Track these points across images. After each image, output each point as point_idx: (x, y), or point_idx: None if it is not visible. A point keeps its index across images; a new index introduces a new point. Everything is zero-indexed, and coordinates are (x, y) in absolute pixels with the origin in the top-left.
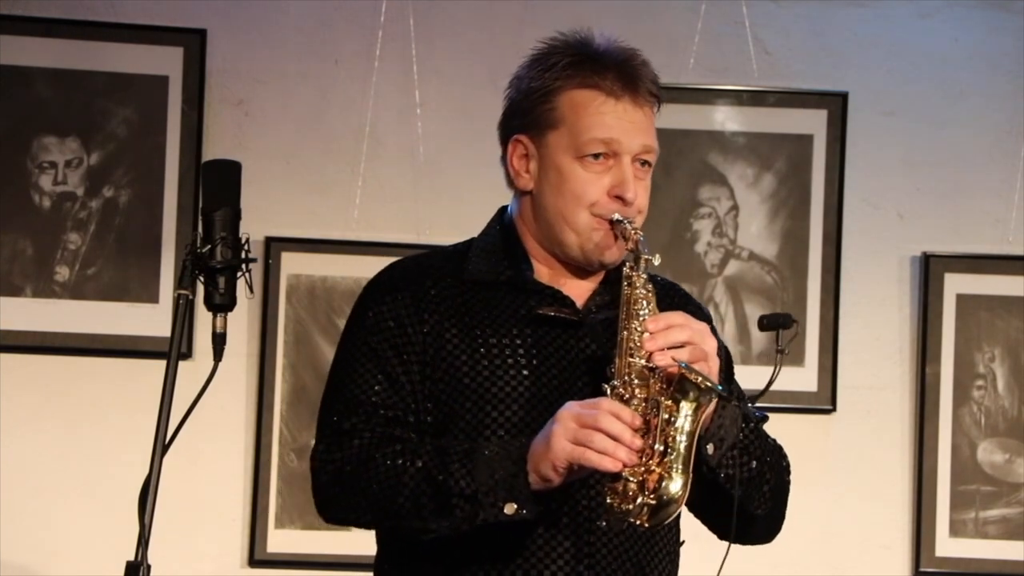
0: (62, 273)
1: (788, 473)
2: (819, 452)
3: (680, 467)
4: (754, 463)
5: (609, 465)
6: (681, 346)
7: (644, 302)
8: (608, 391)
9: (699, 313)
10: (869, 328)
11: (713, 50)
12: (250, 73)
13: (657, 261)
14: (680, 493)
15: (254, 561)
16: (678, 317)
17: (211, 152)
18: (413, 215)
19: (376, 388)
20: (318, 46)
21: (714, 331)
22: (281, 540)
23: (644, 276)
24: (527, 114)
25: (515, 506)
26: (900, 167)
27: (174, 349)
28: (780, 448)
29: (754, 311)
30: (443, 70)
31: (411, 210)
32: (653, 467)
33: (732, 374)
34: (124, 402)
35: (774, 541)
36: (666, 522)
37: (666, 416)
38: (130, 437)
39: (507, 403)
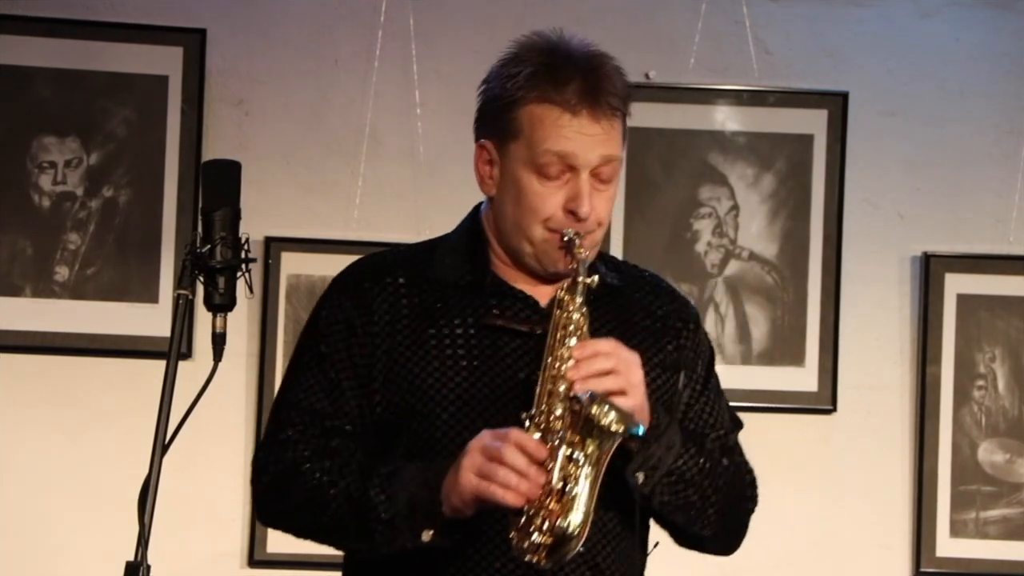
0: (62, 273)
1: (750, 490)
2: (819, 452)
3: (580, 506)
4: (691, 491)
5: (512, 500)
6: (606, 374)
7: (573, 327)
8: (525, 420)
9: (685, 310)
10: (869, 328)
11: (713, 50)
12: (250, 73)
13: (594, 284)
14: (578, 531)
15: (254, 561)
16: (606, 345)
17: (211, 152)
18: (413, 215)
19: (319, 396)
20: (318, 46)
21: (697, 329)
22: (281, 540)
23: (579, 299)
24: (491, 121)
25: (432, 533)
26: (901, 167)
27: (174, 349)
28: (741, 467)
29: (754, 311)
30: (443, 70)
31: (411, 210)
32: (552, 505)
33: (711, 375)
34: (124, 402)
35: (773, 539)
36: (565, 559)
37: (568, 452)
38: (130, 437)
39: (454, 403)
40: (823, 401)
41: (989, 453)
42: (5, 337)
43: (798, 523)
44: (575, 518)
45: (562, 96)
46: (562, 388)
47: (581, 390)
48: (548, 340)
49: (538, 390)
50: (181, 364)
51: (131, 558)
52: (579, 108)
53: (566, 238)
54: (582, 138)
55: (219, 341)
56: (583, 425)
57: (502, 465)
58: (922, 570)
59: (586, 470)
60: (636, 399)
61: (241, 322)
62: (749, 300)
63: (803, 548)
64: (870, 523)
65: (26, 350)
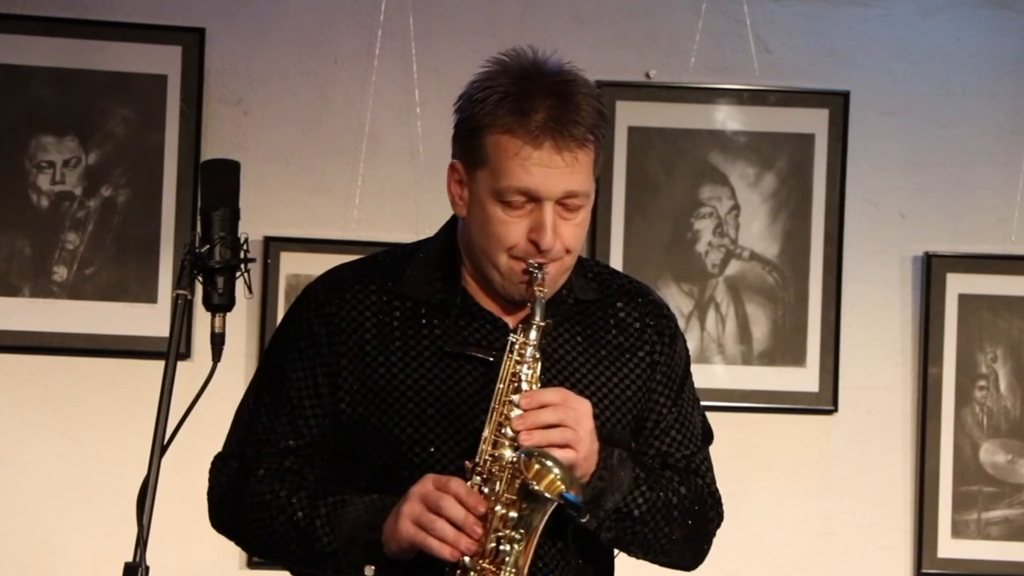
0: (60, 273)
1: (713, 512)
2: (820, 453)
3: (512, 569)
4: (639, 527)
5: (447, 555)
6: (553, 426)
7: (525, 370)
8: (469, 467)
9: (662, 322)
10: (871, 328)
11: (714, 49)
12: (249, 72)
13: (549, 326)
14: None
15: (253, 563)
16: (554, 395)
17: (210, 151)
18: (413, 214)
19: (278, 414)
20: (317, 45)
21: (673, 342)
22: None
23: (532, 345)
24: (462, 143)
25: (374, 568)
26: (902, 166)
27: (172, 349)
28: (702, 490)
29: (755, 311)
30: (443, 69)
31: (411, 209)
32: (486, 564)
33: (685, 386)
34: (122, 403)
35: (773, 539)
36: None
37: (504, 511)
38: (128, 438)
39: (412, 423)
40: (824, 401)
41: (991, 454)
42: (3, 337)
43: (799, 524)
44: None
45: (525, 128)
46: (508, 433)
47: (524, 442)
48: (497, 384)
49: (484, 436)
50: (180, 364)
51: (130, 559)
52: (542, 140)
53: (529, 271)
54: (545, 171)
55: (218, 341)
56: (520, 486)
57: (440, 517)
58: (923, 571)
59: (521, 531)
60: (582, 451)
61: (240, 322)
62: (750, 300)
63: (804, 549)
64: (871, 524)
65: (24, 350)
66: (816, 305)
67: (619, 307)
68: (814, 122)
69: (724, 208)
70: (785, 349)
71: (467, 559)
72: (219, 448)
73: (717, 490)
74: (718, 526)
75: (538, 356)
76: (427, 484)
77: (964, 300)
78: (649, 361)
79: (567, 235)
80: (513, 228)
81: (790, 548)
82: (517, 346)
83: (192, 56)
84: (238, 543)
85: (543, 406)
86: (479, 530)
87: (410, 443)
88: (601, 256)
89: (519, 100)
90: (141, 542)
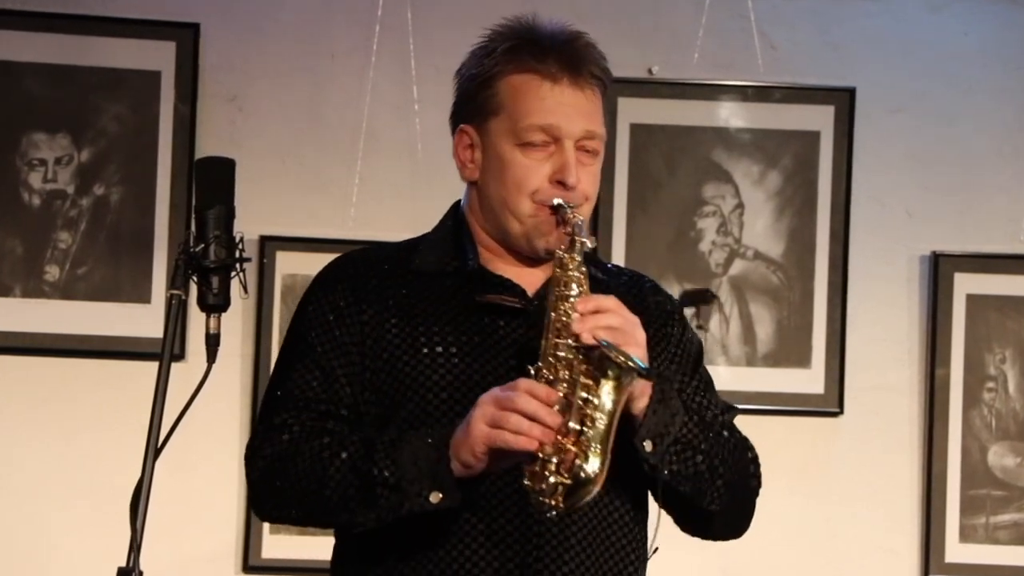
0: (52, 273)
1: (754, 467)
2: (826, 455)
3: (597, 447)
4: (699, 458)
5: (525, 444)
6: (611, 329)
7: (575, 284)
8: (532, 372)
9: (670, 302)
10: (877, 329)
11: (718, 45)
12: (244, 68)
13: (592, 244)
14: (596, 473)
15: (248, 567)
16: (609, 301)
17: (204, 149)
18: (411, 213)
19: (312, 383)
20: (314, 41)
21: (682, 319)
22: (276, 545)
23: (578, 258)
24: (470, 103)
25: (440, 495)
26: (909, 164)
27: (167, 350)
28: (743, 443)
29: (760, 311)
30: (442, 65)
31: (409, 208)
32: (569, 446)
33: (699, 366)
34: (116, 404)
35: (779, 543)
36: (582, 503)
37: (584, 395)
38: (122, 440)
39: (448, 391)
40: (830, 403)
41: (999, 456)
42: None
43: (804, 527)
44: (593, 459)
45: (542, 63)
46: (566, 342)
47: (588, 341)
48: (549, 296)
49: (543, 343)
50: (174, 366)
51: (123, 564)
52: (560, 76)
53: (556, 205)
54: (564, 108)
55: (213, 342)
56: (597, 367)
57: (514, 412)
58: (931, 575)
59: (602, 412)
60: (641, 355)
61: (235, 323)
62: (754, 300)
63: (809, 552)
64: (877, 527)
65: (16, 351)
66: (821, 305)
67: (624, 291)
68: (819, 119)
69: (728, 206)
70: (790, 350)
71: (547, 448)
72: (216, 449)
73: (754, 448)
74: (758, 488)
75: (584, 270)
76: (495, 389)
77: (972, 300)
78: (664, 333)
79: (586, 181)
80: (534, 171)
81: (795, 551)
82: (565, 260)
83: (186, 52)
84: (287, 514)
85: (599, 310)
86: (556, 420)
87: (437, 401)
88: (603, 255)
89: (529, 44)
90: (135, 546)
